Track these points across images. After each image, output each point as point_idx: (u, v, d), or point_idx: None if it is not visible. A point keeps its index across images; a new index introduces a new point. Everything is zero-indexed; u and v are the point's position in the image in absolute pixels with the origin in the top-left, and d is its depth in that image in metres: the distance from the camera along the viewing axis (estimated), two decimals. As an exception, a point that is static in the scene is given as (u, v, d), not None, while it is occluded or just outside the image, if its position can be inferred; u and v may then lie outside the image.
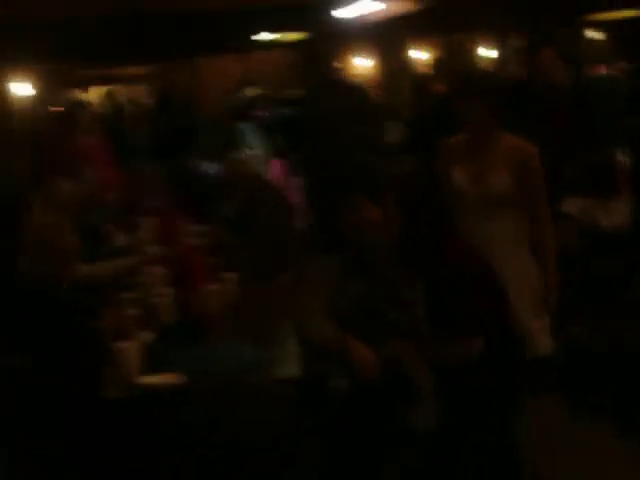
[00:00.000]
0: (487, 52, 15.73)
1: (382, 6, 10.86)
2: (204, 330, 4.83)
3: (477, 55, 16.22)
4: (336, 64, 6.97)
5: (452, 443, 4.01)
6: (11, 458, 4.11)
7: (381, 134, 6.31)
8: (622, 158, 7.04)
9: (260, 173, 7.22)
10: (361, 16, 11.53)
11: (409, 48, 15.39)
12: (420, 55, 16.09)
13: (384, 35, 14.12)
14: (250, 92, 12.32)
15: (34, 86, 15.30)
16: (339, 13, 11.33)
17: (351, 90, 6.99)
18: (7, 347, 4.25)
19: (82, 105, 9.25)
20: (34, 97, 15.31)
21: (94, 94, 19.78)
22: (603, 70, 9.42)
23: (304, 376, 4.23)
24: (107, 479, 3.95)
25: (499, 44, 14.65)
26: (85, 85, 20.29)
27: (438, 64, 11.54)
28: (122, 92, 19.76)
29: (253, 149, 9.16)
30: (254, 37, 14.78)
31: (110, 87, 19.25)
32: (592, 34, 14.31)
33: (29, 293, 4.39)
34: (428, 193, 4.21)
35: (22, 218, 5.56)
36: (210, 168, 9.78)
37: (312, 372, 4.25)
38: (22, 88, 14.78)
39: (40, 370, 4.08)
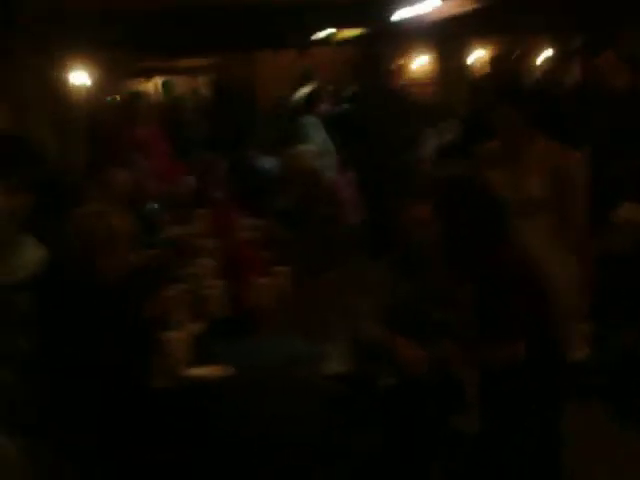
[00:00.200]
0: (545, 53, 15.60)
1: (441, 5, 10.83)
2: (254, 323, 4.84)
3: (534, 55, 16.11)
4: (389, 65, 6.92)
5: (494, 445, 4.01)
6: (57, 448, 4.16)
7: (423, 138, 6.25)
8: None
9: (315, 168, 7.23)
10: (420, 15, 11.52)
11: (467, 47, 15.31)
12: (478, 54, 16.02)
13: (442, 34, 14.07)
14: (310, 87, 12.30)
15: (93, 75, 15.44)
16: (399, 11, 11.33)
17: (398, 93, 6.95)
18: (57, 337, 4.30)
19: (140, 95, 9.31)
20: (93, 86, 15.44)
21: (153, 85, 19.92)
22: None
23: (353, 373, 4.24)
24: (150, 469, 3.99)
25: (558, 45, 14.50)
26: (145, 75, 20.44)
27: (494, 63, 11.48)
28: (182, 83, 19.87)
29: (315, 144, 9.16)
30: (314, 33, 14.82)
31: (170, 78, 19.37)
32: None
33: (80, 282, 4.43)
34: (476, 195, 4.19)
35: (77, 207, 5.60)
36: (267, 162, 9.81)
37: (361, 369, 4.26)
38: (81, 77, 14.91)
39: (90, 359, 4.12)
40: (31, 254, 4.59)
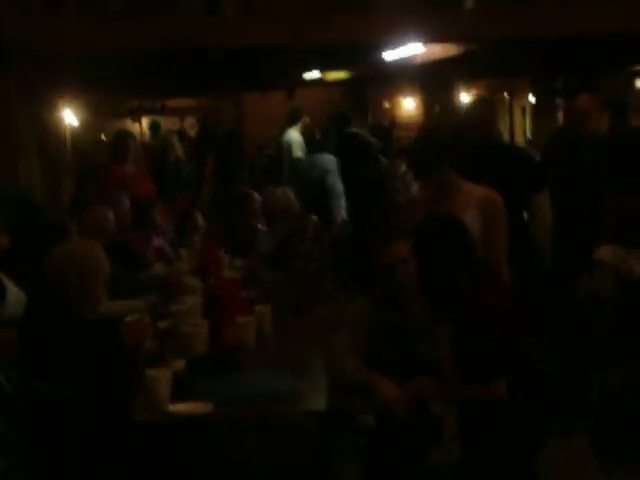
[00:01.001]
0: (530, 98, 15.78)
1: (427, 49, 10.95)
2: (235, 361, 4.88)
3: (522, 99, 16.29)
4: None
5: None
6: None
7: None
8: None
9: (298, 207, 7.33)
10: (405, 58, 11.64)
11: (452, 90, 15.47)
12: (463, 97, 16.20)
13: (427, 77, 14.21)
14: (297, 127, 12.43)
15: (81, 115, 15.51)
16: (386, 54, 11.45)
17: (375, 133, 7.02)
18: (39, 371, 4.35)
19: (128, 135, 9.38)
20: (81, 126, 15.52)
21: (143, 125, 20.03)
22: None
23: (332, 410, 4.27)
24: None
25: (543, 89, 14.68)
26: (132, 116, 20.55)
27: (472, 109, 11.61)
28: (169, 124, 19.98)
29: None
30: (302, 74, 14.94)
31: (156, 118, 19.49)
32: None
33: (62, 316, 4.50)
34: (452, 234, 4.29)
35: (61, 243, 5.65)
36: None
37: (340, 407, 4.30)
38: (73, 117, 14.99)
39: (72, 393, 4.17)
40: (10, 296, 4.64)
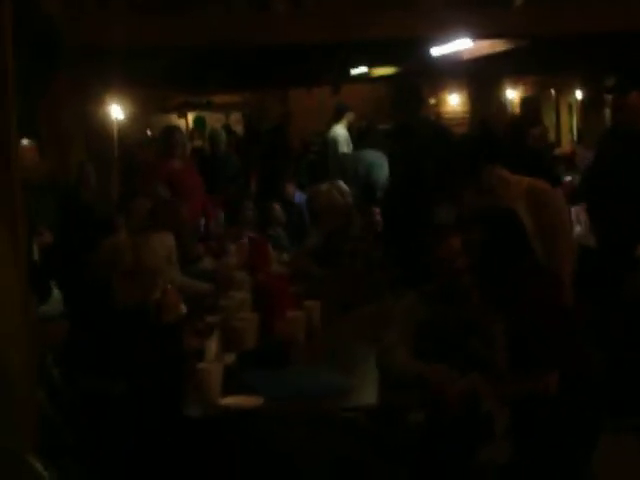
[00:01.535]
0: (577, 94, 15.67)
1: (473, 45, 10.92)
2: (286, 356, 4.90)
3: (569, 96, 16.18)
4: (425, 101, 6.99)
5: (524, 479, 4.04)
6: (92, 476, 4.24)
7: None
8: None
9: (345, 203, 7.32)
10: (452, 54, 11.61)
11: (500, 87, 15.41)
12: (513, 94, 16.12)
13: (474, 73, 14.16)
14: (343, 124, 12.45)
15: (128, 110, 15.63)
16: (433, 50, 11.43)
17: (435, 129, 6.98)
18: (87, 364, 4.40)
19: (176, 130, 9.43)
20: (128, 121, 15.63)
21: (189, 120, 20.11)
22: None
23: (382, 406, 4.28)
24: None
25: (592, 85, 14.57)
26: (178, 111, 20.64)
27: (525, 104, 11.50)
28: (214, 120, 20.06)
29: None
30: (348, 70, 14.94)
31: (202, 114, 19.57)
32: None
33: (115, 311, 4.55)
34: (508, 226, 4.29)
35: (110, 238, 5.71)
36: (299, 197, 9.93)
37: (390, 403, 4.30)
38: (120, 112, 15.11)
39: (126, 386, 4.21)
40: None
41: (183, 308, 5.54)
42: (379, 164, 9.98)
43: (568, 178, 9.26)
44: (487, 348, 4.22)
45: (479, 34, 10.07)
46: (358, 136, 11.30)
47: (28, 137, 6.34)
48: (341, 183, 7.94)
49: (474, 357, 4.22)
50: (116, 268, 4.65)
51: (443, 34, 9.82)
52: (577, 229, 7.98)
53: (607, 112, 13.21)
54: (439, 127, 7.15)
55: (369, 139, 10.83)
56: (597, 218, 6.83)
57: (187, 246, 6.80)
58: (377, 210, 7.79)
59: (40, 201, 5.54)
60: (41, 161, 6.66)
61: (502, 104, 15.11)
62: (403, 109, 6.76)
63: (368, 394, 4.34)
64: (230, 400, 4.17)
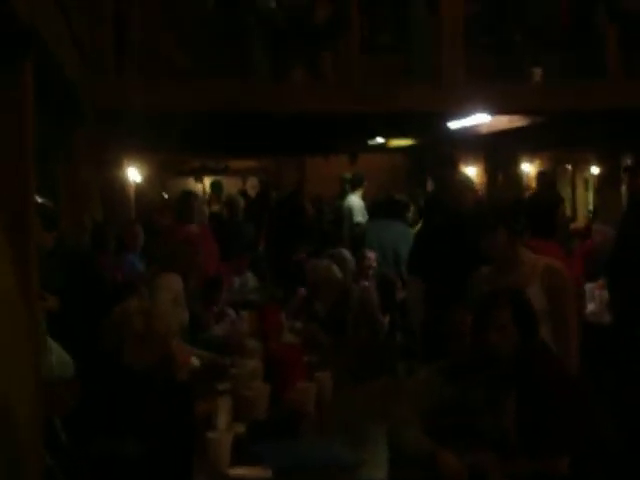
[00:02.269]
0: (594, 170, 15.71)
1: (493, 119, 10.98)
2: (295, 427, 4.87)
3: (585, 172, 16.24)
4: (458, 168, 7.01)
5: None
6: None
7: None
8: None
9: (336, 279, 7.38)
10: (470, 128, 11.68)
11: (516, 161, 15.47)
12: (526, 169, 16.19)
13: (491, 147, 14.23)
14: (359, 193, 12.54)
15: (149, 173, 15.74)
16: (451, 124, 11.50)
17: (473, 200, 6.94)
18: (103, 427, 4.38)
19: (193, 196, 9.48)
20: (148, 184, 15.73)
21: (206, 184, 20.21)
22: None
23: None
24: None
25: (609, 162, 14.61)
26: (194, 175, 20.76)
27: (541, 179, 11.55)
28: (230, 185, 20.16)
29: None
30: (365, 140, 15.03)
31: (218, 178, 19.67)
32: None
33: (126, 373, 4.54)
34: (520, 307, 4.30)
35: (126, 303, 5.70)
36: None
37: (399, 478, 4.26)
38: (137, 175, 15.21)
39: (137, 448, 4.19)
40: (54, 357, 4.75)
41: (195, 361, 5.53)
42: (405, 235, 9.99)
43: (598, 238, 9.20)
44: (498, 427, 4.18)
45: (497, 109, 10.13)
46: (376, 206, 11.33)
47: (46, 198, 6.36)
48: (345, 252, 7.98)
49: (485, 435, 4.20)
50: (127, 332, 4.65)
51: (463, 109, 9.88)
52: (591, 306, 7.97)
53: (623, 189, 13.25)
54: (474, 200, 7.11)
55: (387, 209, 10.85)
56: (618, 294, 6.86)
57: (194, 290, 6.84)
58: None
59: (44, 265, 5.55)
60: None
61: (518, 178, 15.16)
62: (439, 175, 6.78)
63: (378, 469, 4.29)
64: (239, 471, 4.14)
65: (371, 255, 9.15)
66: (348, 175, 13.67)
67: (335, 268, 7.47)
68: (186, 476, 4.10)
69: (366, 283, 7.75)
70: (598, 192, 15.21)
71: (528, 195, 8.83)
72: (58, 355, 4.80)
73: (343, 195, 13.44)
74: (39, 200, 5.42)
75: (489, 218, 5.25)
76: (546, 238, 6.17)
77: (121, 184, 12.73)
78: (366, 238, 10.15)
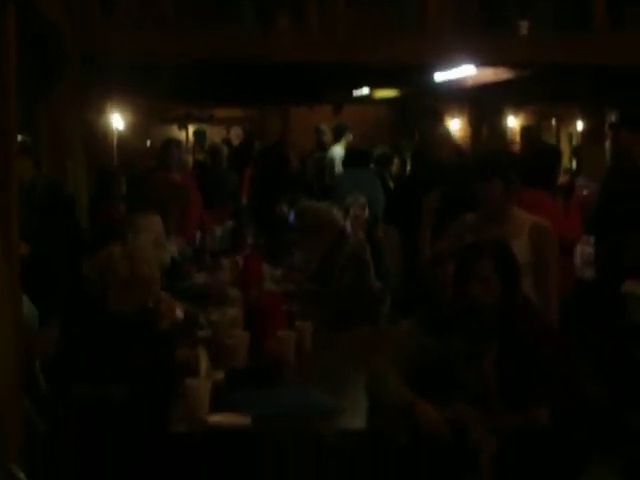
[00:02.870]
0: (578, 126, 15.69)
1: (478, 71, 10.95)
2: (274, 375, 4.89)
3: (570, 127, 16.22)
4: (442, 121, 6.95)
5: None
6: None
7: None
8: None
9: (337, 222, 7.30)
10: (455, 80, 11.64)
11: (500, 115, 15.43)
12: (514, 122, 16.16)
13: (476, 100, 14.19)
14: (343, 144, 12.48)
15: (132, 120, 15.64)
16: (437, 76, 11.46)
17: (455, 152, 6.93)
18: (85, 372, 4.39)
19: (174, 144, 9.42)
20: (131, 131, 15.63)
21: (190, 132, 20.12)
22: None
23: (370, 430, 4.26)
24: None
25: (591, 118, 14.59)
26: (178, 123, 20.65)
27: (525, 133, 11.52)
28: (213, 133, 20.08)
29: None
30: (350, 91, 14.96)
31: (202, 127, 19.59)
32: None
33: (109, 318, 4.54)
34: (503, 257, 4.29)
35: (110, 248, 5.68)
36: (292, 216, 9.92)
37: (379, 427, 4.28)
38: (121, 122, 15.12)
39: (116, 398, 4.20)
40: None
41: (179, 313, 5.54)
42: (373, 185, 10.02)
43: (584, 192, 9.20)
44: (479, 379, 4.20)
45: (483, 61, 10.09)
46: (347, 156, 11.41)
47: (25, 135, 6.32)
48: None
49: (464, 387, 4.21)
50: (111, 278, 4.64)
51: (448, 60, 9.84)
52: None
53: (607, 144, 13.25)
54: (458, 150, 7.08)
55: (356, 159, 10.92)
56: (602, 250, 6.89)
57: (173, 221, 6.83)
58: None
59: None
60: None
61: (502, 132, 15.12)
62: (421, 129, 6.73)
63: (357, 417, 4.32)
64: (218, 417, 4.15)
65: (362, 204, 9.10)
66: (323, 126, 13.57)
67: (336, 211, 7.39)
68: (165, 422, 4.11)
69: (360, 232, 7.66)
70: (582, 147, 15.21)
71: (528, 147, 8.77)
72: (25, 306, 4.79)
73: (321, 146, 13.37)
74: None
75: (486, 169, 5.24)
76: (545, 191, 6.22)
77: (104, 130, 12.65)
78: (341, 187, 10.14)
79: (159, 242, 6.40)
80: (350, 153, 11.41)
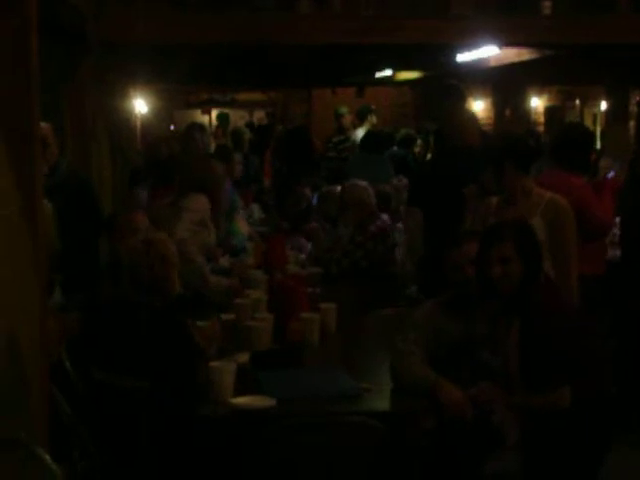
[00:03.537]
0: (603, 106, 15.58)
1: (500, 52, 10.90)
2: (299, 357, 4.90)
3: (594, 107, 16.11)
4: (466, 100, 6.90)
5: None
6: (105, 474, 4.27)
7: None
8: None
9: (372, 203, 7.30)
10: (478, 61, 11.59)
11: (524, 95, 15.36)
12: (537, 103, 16.07)
13: (500, 80, 14.13)
14: (366, 126, 12.47)
15: (155, 104, 15.66)
16: (460, 56, 11.41)
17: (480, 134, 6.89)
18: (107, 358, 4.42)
19: (197, 128, 9.42)
20: (154, 115, 15.66)
21: (213, 116, 20.13)
22: None
23: (395, 411, 4.27)
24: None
25: (620, 99, 14.48)
26: (201, 107, 20.67)
27: (549, 113, 11.44)
28: (240, 116, 20.09)
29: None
30: (373, 73, 14.92)
31: (225, 111, 19.58)
32: None
33: (132, 305, 4.57)
34: (524, 237, 4.28)
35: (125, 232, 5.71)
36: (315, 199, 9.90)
37: (401, 407, 4.29)
38: (144, 106, 15.14)
39: (141, 382, 4.22)
40: None
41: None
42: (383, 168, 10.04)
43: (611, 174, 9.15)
44: (500, 360, 4.20)
45: (506, 42, 10.03)
46: (362, 140, 11.43)
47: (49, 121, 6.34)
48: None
49: (487, 368, 4.22)
50: (147, 266, 4.68)
51: (471, 41, 9.78)
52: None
53: (631, 124, 13.17)
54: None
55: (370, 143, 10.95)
56: (629, 230, 6.88)
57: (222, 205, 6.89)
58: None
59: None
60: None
61: (526, 113, 15.06)
62: (445, 109, 6.69)
63: (381, 399, 4.33)
64: (242, 400, 4.17)
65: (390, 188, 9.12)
66: (342, 109, 13.52)
67: (371, 191, 7.38)
68: (189, 405, 4.14)
69: (385, 215, 7.64)
70: (606, 128, 15.12)
71: (560, 129, 8.70)
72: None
73: (340, 129, 13.34)
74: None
75: (496, 151, 5.27)
76: (577, 173, 6.20)
77: (127, 115, 12.66)
78: (350, 172, 10.15)
79: (204, 223, 6.41)
80: (364, 138, 11.43)
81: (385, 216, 7.50)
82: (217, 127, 17.70)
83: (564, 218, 5.14)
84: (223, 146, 10.42)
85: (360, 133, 12.32)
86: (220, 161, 7.37)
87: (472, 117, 6.96)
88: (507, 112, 14.59)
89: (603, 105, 15.25)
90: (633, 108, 13.25)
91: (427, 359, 4.34)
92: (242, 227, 7.84)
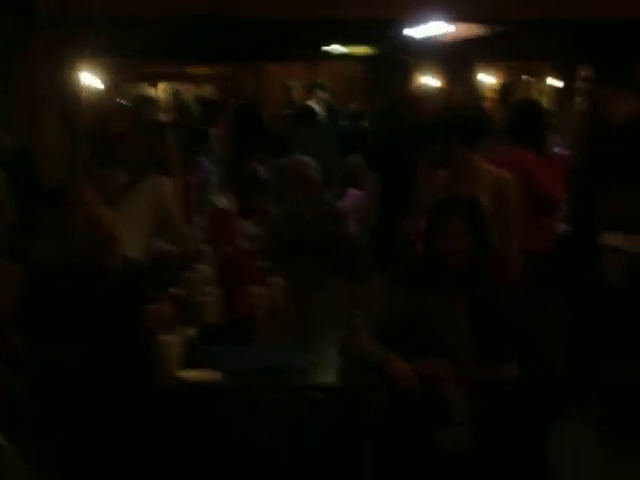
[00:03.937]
0: (555, 82, 15.66)
1: (453, 28, 10.90)
2: (246, 331, 4.90)
3: (543, 84, 16.21)
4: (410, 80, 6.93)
5: (483, 467, 4.06)
6: (55, 448, 4.24)
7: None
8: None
9: (316, 179, 7.27)
10: (431, 36, 11.59)
11: (474, 71, 15.41)
12: (488, 79, 16.13)
13: (450, 56, 14.14)
14: (315, 100, 12.45)
15: (104, 78, 15.50)
16: (409, 32, 11.39)
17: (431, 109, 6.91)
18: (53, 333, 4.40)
19: (149, 100, 9.36)
20: (103, 89, 15.50)
21: (161, 91, 19.99)
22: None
23: (344, 385, 4.29)
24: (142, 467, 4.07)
25: (567, 75, 14.57)
26: (150, 80, 20.50)
27: (503, 90, 11.47)
28: (190, 91, 19.96)
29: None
30: (323, 47, 14.88)
31: (178, 85, 19.47)
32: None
33: (80, 275, 4.55)
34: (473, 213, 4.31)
35: (73, 205, 5.67)
36: (265, 172, 9.86)
37: (350, 382, 4.31)
38: (92, 80, 14.98)
39: (89, 355, 4.21)
40: None
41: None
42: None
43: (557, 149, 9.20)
44: (450, 334, 4.22)
45: (455, 17, 10.03)
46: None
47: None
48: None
49: (439, 342, 4.23)
50: (96, 239, 4.65)
51: (419, 16, 9.77)
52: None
53: (577, 100, 13.25)
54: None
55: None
56: (577, 206, 6.93)
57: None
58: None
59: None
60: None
61: (475, 89, 15.10)
62: (394, 83, 6.69)
63: (330, 373, 4.34)
64: (190, 373, 4.17)
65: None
66: (292, 82, 13.51)
67: (310, 166, 7.34)
68: (138, 378, 4.13)
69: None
70: (553, 103, 15.22)
71: (512, 105, 8.74)
72: None
73: (290, 103, 13.31)
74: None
75: (442, 126, 5.30)
76: (532, 149, 6.25)
77: (76, 91, 12.51)
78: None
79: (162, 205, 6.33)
80: (299, 112, 11.45)
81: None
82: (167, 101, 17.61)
83: (509, 191, 5.23)
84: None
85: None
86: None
87: (422, 92, 6.99)
88: (457, 88, 14.61)
89: (550, 81, 15.36)
90: (579, 84, 13.33)
91: (379, 335, 4.35)
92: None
